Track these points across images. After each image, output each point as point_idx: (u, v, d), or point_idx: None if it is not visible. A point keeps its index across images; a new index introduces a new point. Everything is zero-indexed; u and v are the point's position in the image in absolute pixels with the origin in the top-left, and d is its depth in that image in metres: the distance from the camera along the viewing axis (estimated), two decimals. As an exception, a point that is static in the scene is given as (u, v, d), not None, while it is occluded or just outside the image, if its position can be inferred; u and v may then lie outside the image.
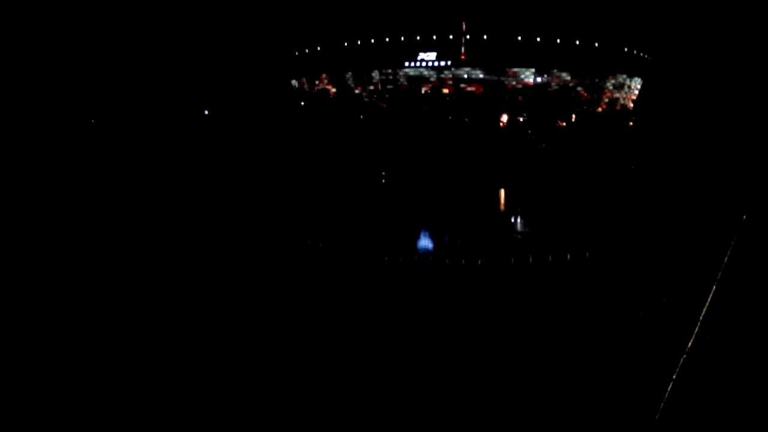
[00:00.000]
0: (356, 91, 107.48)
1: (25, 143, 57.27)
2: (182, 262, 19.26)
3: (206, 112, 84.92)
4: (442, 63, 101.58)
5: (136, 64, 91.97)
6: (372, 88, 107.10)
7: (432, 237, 25.13)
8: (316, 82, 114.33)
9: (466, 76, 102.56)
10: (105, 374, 10.69)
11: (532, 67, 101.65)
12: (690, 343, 11.07)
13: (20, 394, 9.96)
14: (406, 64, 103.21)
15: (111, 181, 40.04)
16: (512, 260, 20.36)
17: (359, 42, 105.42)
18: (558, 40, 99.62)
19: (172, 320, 13.60)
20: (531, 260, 20.25)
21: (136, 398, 9.85)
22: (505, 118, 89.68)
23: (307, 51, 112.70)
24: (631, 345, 11.82)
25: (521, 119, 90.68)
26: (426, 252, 22.38)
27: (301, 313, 14.24)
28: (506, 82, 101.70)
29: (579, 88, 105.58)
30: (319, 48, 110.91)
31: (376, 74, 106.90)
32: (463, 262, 20.31)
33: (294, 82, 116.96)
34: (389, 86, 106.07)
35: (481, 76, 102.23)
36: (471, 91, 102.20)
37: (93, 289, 15.95)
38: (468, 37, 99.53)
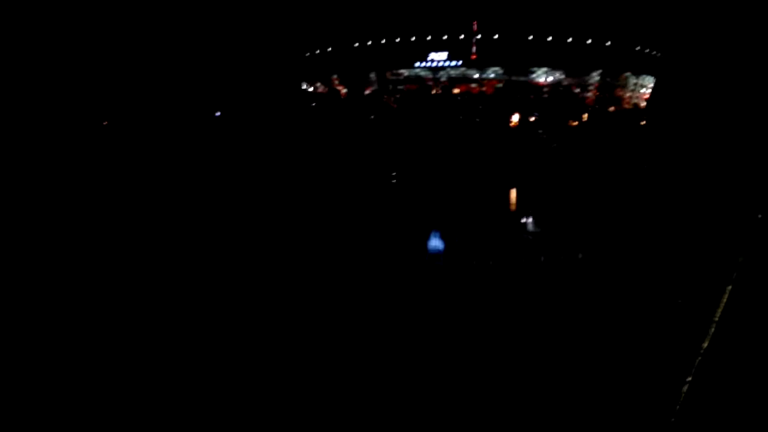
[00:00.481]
0: (367, 92, 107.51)
1: (37, 144, 57.86)
2: (193, 264, 19.36)
3: (218, 114, 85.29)
4: (453, 63, 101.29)
5: (148, 67, 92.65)
6: (382, 88, 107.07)
7: (443, 237, 25.05)
8: (327, 84, 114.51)
9: (476, 75, 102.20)
10: (105, 374, 10.70)
11: (543, 67, 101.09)
12: (706, 344, 10.93)
13: (20, 394, 9.97)
14: (417, 64, 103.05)
15: (123, 182, 40.33)
16: (524, 261, 20.24)
17: (370, 43, 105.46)
18: (569, 39, 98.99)
19: (181, 320, 13.66)
20: (543, 260, 20.11)
21: (136, 398, 9.86)
22: (516, 117, 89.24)
23: (317, 52, 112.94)
24: (646, 346, 11.69)
25: (532, 119, 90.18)
26: (437, 252, 22.32)
27: (310, 312, 14.26)
28: (517, 82, 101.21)
29: (590, 87, 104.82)
30: (329, 49, 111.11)
31: (386, 75, 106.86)
32: (474, 262, 20.22)
33: (305, 84, 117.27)
34: (400, 86, 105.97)
35: (492, 75, 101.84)
36: (482, 91, 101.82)
37: (101, 290, 16.07)
38: (479, 36, 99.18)
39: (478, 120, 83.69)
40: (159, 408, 9.75)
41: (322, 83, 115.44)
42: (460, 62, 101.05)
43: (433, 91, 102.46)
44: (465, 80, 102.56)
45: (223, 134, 71.17)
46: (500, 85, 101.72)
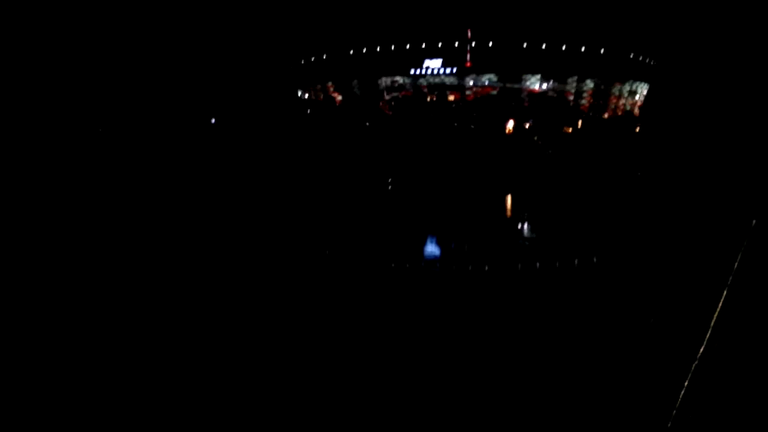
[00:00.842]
0: (361, 99, 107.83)
1: (31, 150, 57.64)
2: (186, 271, 19.26)
3: (213, 121, 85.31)
4: (448, 70, 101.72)
5: (143, 74, 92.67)
6: (377, 95, 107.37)
7: (439, 243, 25.03)
8: (323, 91, 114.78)
9: (471, 82, 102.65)
10: (105, 374, 10.63)
11: (538, 74, 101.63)
12: (701, 350, 10.90)
13: (20, 394, 9.91)
14: (412, 71, 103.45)
15: (119, 191, 40.16)
16: (519, 266, 20.23)
17: (365, 50, 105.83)
18: (564, 47, 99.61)
19: (176, 325, 13.59)
20: (538, 266, 20.12)
21: (136, 398, 9.78)
22: (511, 124, 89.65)
23: (312, 59, 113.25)
24: (641, 352, 11.67)
25: (527, 125, 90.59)
26: (433, 258, 22.29)
27: (307, 319, 14.19)
28: (512, 89, 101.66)
29: (585, 94, 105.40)
30: (324, 56, 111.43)
31: (381, 81, 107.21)
32: (470, 268, 20.19)
33: (300, 91, 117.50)
34: (394, 93, 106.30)
35: (487, 82, 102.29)
36: (476, 98, 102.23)
37: (96, 292, 15.97)
38: (473, 44, 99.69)
39: (473, 126, 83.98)
40: (159, 408, 9.64)
41: (318, 90, 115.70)
42: (455, 69, 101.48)
43: (428, 98, 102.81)
44: (460, 87, 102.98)
45: (219, 141, 71.14)
46: (495, 92, 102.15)
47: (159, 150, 65.02)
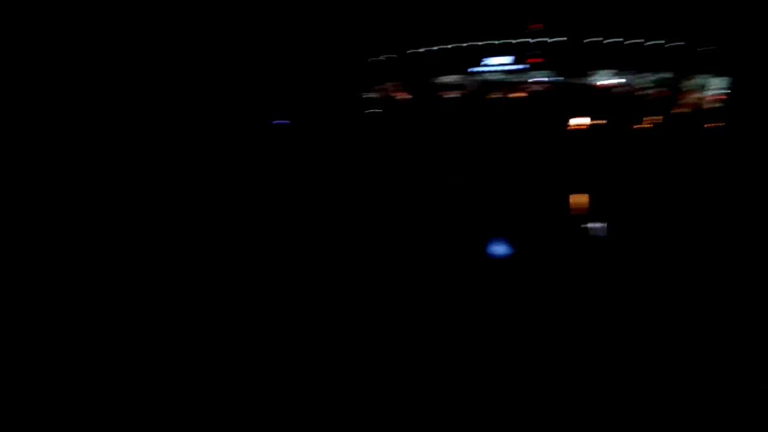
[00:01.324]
0: (427, 97, 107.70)
1: (110, 154, 60.63)
2: (266, 270, 19.90)
3: (286, 122, 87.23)
4: (514, 67, 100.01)
5: (207, 77, 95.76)
6: (441, 93, 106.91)
7: (505, 244, 24.74)
8: (385, 90, 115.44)
9: (539, 79, 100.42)
10: (105, 374, 10.72)
11: (608, 69, 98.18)
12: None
13: (20, 394, 9.99)
14: (477, 69, 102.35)
15: (192, 196, 41.82)
16: (588, 270, 19.72)
17: (430, 48, 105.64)
18: (636, 41, 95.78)
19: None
20: (608, 269, 19.53)
21: (136, 398, 9.87)
22: (580, 121, 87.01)
23: (377, 59, 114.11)
24: (719, 362, 11.17)
25: (598, 122, 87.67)
26: (496, 258, 22.07)
27: (352, 312, 14.39)
28: (581, 85, 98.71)
29: (659, 90, 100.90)
30: (390, 56, 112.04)
31: (445, 79, 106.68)
32: (535, 270, 19.83)
33: (366, 91, 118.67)
34: (460, 91, 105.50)
35: (555, 79, 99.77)
36: (544, 95, 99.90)
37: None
38: (539, 39, 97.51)
39: (539, 124, 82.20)
40: (159, 408, 9.87)
41: (381, 90, 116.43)
42: (521, 66, 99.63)
43: (494, 95, 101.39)
44: (526, 84, 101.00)
45: (287, 141, 72.89)
46: (562, 88, 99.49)
47: (226, 151, 67.16)
